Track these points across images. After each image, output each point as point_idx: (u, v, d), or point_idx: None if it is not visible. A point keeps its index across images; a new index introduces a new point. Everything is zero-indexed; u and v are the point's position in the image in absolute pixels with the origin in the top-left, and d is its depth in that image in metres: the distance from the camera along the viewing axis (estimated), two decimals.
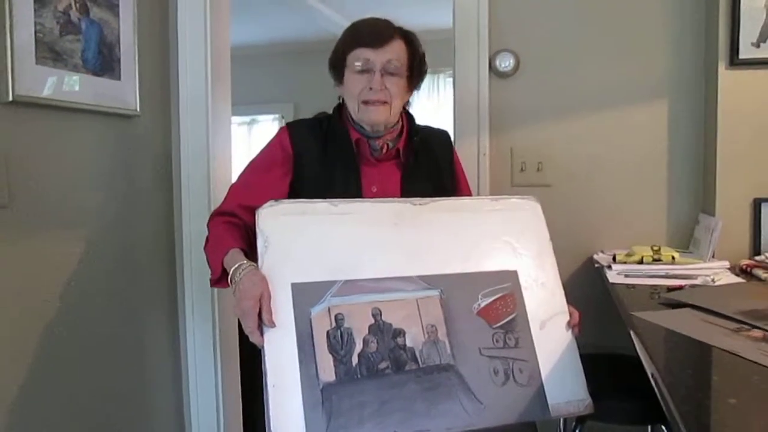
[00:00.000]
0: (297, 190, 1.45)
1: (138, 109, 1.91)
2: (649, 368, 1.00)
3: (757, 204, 1.90)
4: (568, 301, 1.33)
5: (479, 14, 2.07)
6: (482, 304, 1.25)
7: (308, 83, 4.99)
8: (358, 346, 1.15)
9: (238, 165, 1.83)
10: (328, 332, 1.14)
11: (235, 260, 1.24)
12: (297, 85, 5.26)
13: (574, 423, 1.62)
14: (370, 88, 1.41)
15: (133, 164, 1.96)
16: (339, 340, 1.14)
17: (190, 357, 2.16)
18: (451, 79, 2.15)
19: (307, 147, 1.47)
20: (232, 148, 2.27)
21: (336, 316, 1.16)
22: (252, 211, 1.26)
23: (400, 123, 1.51)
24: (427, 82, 2.78)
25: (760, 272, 1.66)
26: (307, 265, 1.19)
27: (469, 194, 1.66)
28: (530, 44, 2.09)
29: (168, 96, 2.10)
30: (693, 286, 1.55)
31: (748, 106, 1.89)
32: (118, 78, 1.83)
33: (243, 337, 1.27)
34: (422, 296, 1.22)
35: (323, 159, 1.46)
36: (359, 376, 1.13)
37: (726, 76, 1.89)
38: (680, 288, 1.53)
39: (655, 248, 1.79)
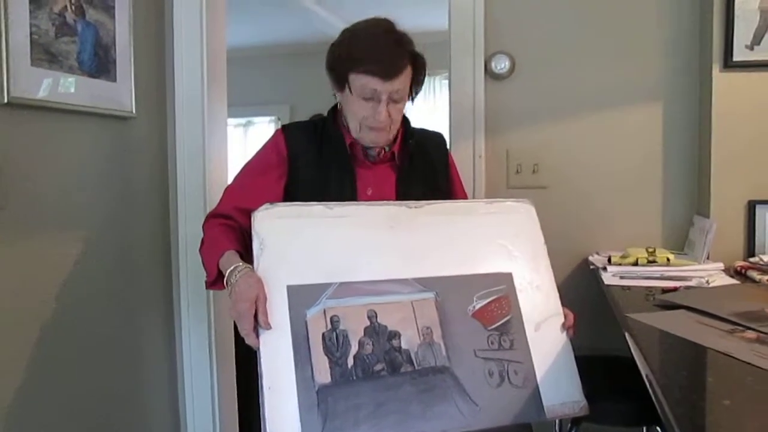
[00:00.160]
0: (292, 193, 1.44)
1: (134, 111, 1.91)
2: (643, 370, 1.01)
3: (751, 206, 1.91)
4: (563, 303, 1.33)
5: (475, 16, 2.07)
6: (477, 307, 1.25)
7: (304, 85, 4.99)
8: (354, 348, 1.15)
9: (234, 167, 1.83)
10: (323, 334, 1.14)
11: (231, 262, 1.24)
12: (293, 87, 5.26)
13: (569, 424, 1.62)
14: (375, 115, 1.39)
15: (128, 166, 1.96)
16: (334, 342, 1.14)
17: (186, 359, 2.16)
18: (446, 81, 2.16)
19: (302, 150, 1.47)
20: (227, 149, 2.27)
21: (331, 318, 1.16)
22: (247, 214, 1.26)
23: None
24: None
25: (754, 274, 1.66)
26: (303, 268, 1.19)
27: (464, 196, 1.66)
28: (526, 46, 2.09)
29: (164, 98, 2.10)
30: (688, 287, 1.56)
31: (743, 108, 1.90)
32: (114, 80, 1.83)
33: (238, 339, 1.27)
34: (417, 298, 1.22)
35: (318, 162, 1.46)
36: (355, 378, 1.13)
37: (720, 79, 1.90)
38: (675, 290, 1.53)
39: (650, 250, 1.79)
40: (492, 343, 1.22)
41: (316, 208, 1.26)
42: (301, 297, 1.16)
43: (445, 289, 1.24)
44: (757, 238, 1.90)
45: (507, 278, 1.30)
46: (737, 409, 0.81)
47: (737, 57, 1.87)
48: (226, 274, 1.23)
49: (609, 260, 1.81)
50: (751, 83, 1.89)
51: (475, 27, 2.08)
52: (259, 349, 1.12)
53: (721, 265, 1.76)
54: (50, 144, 1.66)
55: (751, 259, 1.81)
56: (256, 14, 4.36)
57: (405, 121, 1.54)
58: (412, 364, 1.16)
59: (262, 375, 1.10)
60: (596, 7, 2.06)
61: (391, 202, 1.37)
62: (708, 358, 1.03)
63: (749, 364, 0.94)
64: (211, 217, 1.45)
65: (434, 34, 2.31)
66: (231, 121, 2.62)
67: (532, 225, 1.39)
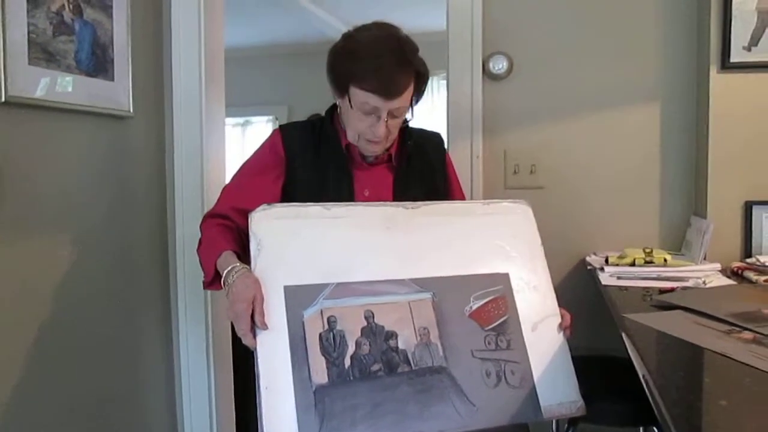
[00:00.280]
0: (290, 194, 1.44)
1: (131, 110, 1.91)
2: (640, 370, 1.01)
3: (748, 207, 1.91)
4: (560, 303, 1.33)
5: (473, 17, 2.07)
6: (474, 307, 1.25)
7: (302, 85, 5.00)
8: (351, 349, 1.15)
9: (231, 166, 1.83)
10: (320, 334, 1.14)
11: (228, 263, 1.24)
12: (291, 87, 5.26)
13: (566, 425, 1.63)
14: (373, 130, 1.38)
15: (126, 165, 1.95)
16: (331, 342, 1.14)
17: (183, 359, 2.16)
18: (444, 82, 2.15)
19: (299, 150, 1.47)
20: (225, 149, 2.27)
21: (328, 319, 1.16)
22: (245, 215, 1.26)
23: None
24: None
25: (751, 274, 1.67)
26: (300, 268, 1.19)
27: (462, 197, 1.66)
28: (524, 47, 2.09)
29: (161, 97, 2.10)
30: (685, 288, 1.56)
31: (740, 109, 1.90)
32: (112, 79, 1.83)
33: (236, 340, 1.27)
34: (414, 299, 1.22)
35: (315, 163, 1.46)
36: (352, 378, 1.13)
37: (717, 80, 1.90)
38: (672, 290, 1.53)
39: (648, 250, 1.79)
40: (489, 343, 1.22)
41: (314, 209, 1.26)
42: (298, 297, 1.16)
43: (442, 290, 1.24)
44: (754, 239, 1.90)
45: (504, 279, 1.30)
46: (734, 409, 0.81)
47: (734, 58, 1.87)
48: (224, 275, 1.23)
49: (606, 261, 1.81)
50: (749, 84, 1.89)
51: (473, 27, 2.08)
52: (256, 349, 1.12)
53: (718, 266, 1.76)
54: (47, 143, 1.65)
55: (748, 260, 1.81)
56: (254, 14, 4.36)
57: (404, 122, 1.54)
58: (409, 364, 1.16)
59: (259, 375, 1.09)
60: (594, 8, 2.07)
61: (389, 202, 1.37)
62: (705, 358, 1.03)
63: (746, 364, 0.94)
64: (209, 217, 1.45)
65: (432, 34, 2.31)
66: (229, 120, 2.61)
67: (529, 226, 1.39)
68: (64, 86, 1.66)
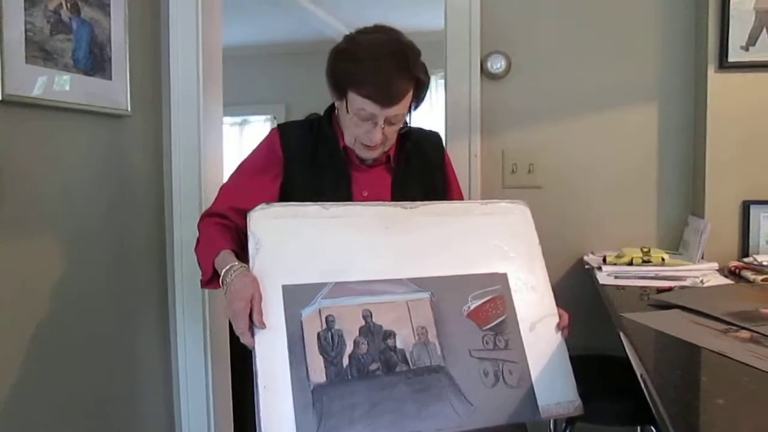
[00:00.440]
0: (288, 193, 1.44)
1: (129, 109, 1.90)
2: (638, 369, 1.01)
3: (745, 206, 1.91)
4: (558, 303, 1.34)
5: (471, 16, 2.07)
6: (472, 307, 1.25)
7: (300, 84, 5.00)
8: (349, 348, 1.15)
9: (229, 165, 1.83)
10: (318, 334, 1.14)
11: (227, 262, 1.24)
12: (289, 86, 5.26)
13: (563, 424, 1.63)
14: (369, 137, 1.38)
15: (123, 164, 1.95)
16: (330, 341, 1.14)
17: (181, 358, 2.15)
18: (442, 81, 2.15)
19: (297, 150, 1.47)
20: (223, 148, 2.27)
21: (327, 318, 1.16)
22: (243, 214, 1.26)
23: None
24: None
25: (748, 274, 1.67)
26: (298, 268, 1.19)
27: (460, 196, 1.66)
28: (522, 46, 2.10)
29: (159, 96, 2.10)
30: (682, 287, 1.56)
31: (738, 109, 1.90)
32: (109, 78, 1.82)
33: (234, 339, 1.27)
34: (412, 298, 1.22)
35: (313, 163, 1.46)
36: (350, 377, 1.13)
37: (715, 79, 1.90)
38: (669, 289, 1.54)
39: (645, 250, 1.79)
40: (487, 343, 1.23)
41: (312, 209, 1.26)
42: (296, 297, 1.16)
43: (440, 289, 1.25)
44: (751, 239, 1.91)
45: (502, 278, 1.30)
46: (731, 408, 0.81)
47: (732, 58, 1.87)
48: (222, 273, 1.23)
49: (604, 260, 1.81)
50: (746, 84, 1.90)
51: (471, 26, 2.07)
52: (254, 348, 1.12)
53: (715, 265, 1.76)
54: (45, 142, 1.65)
55: (745, 259, 1.82)
56: (252, 13, 4.36)
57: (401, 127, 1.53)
58: (407, 363, 1.16)
59: (257, 374, 1.09)
60: (592, 8, 2.07)
61: (387, 202, 1.37)
62: (702, 357, 1.04)
63: (743, 363, 0.95)
64: (207, 216, 1.45)
65: (430, 34, 2.31)
66: (227, 119, 2.62)
67: (527, 226, 1.39)
68: (61, 85, 1.66)
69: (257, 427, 1.07)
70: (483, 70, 2.09)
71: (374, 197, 1.45)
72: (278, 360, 1.11)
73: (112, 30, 1.83)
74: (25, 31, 1.53)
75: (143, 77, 2.00)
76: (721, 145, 1.91)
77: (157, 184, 2.11)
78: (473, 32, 2.08)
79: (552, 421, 1.76)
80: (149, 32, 2.04)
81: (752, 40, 1.87)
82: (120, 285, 1.93)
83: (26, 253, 1.59)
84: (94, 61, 1.76)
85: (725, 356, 0.98)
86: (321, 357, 1.13)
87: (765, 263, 1.70)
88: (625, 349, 1.16)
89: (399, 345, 1.17)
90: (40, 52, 1.58)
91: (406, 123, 1.49)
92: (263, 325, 1.12)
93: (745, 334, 1.10)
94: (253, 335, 1.13)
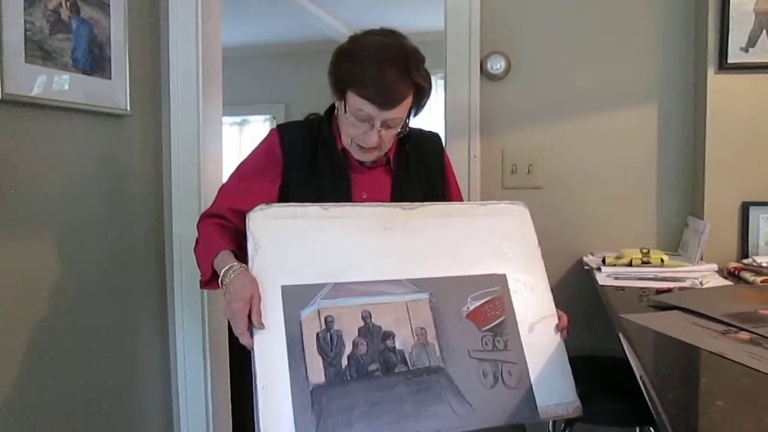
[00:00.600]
0: (287, 194, 1.44)
1: (128, 109, 1.90)
2: (637, 370, 1.01)
3: (745, 207, 1.91)
4: (557, 304, 1.33)
5: (471, 16, 2.07)
6: (471, 307, 1.25)
7: (300, 84, 5.00)
8: (348, 349, 1.15)
9: (228, 165, 1.83)
10: (317, 334, 1.14)
11: (226, 262, 1.24)
12: (288, 86, 5.26)
13: (563, 425, 1.63)
14: (365, 138, 1.37)
15: (123, 164, 1.95)
16: (329, 342, 1.14)
17: (180, 358, 2.15)
18: (442, 81, 2.15)
19: (296, 151, 1.46)
20: (222, 148, 2.27)
21: (326, 319, 1.16)
22: (242, 215, 1.26)
23: None
24: None
25: (747, 275, 1.67)
26: (298, 268, 1.19)
27: (460, 197, 1.66)
28: (521, 47, 2.10)
29: (159, 95, 2.10)
30: (681, 288, 1.56)
31: (737, 110, 1.90)
32: (109, 77, 1.82)
33: (233, 339, 1.27)
34: (412, 299, 1.22)
35: (313, 165, 1.46)
36: (349, 378, 1.12)
37: (715, 81, 1.90)
38: (669, 290, 1.53)
39: (644, 251, 1.79)
40: (486, 343, 1.23)
41: (312, 209, 1.26)
42: (295, 297, 1.16)
43: (440, 290, 1.24)
44: (750, 240, 1.91)
45: (501, 279, 1.30)
46: (730, 409, 0.81)
47: (732, 59, 1.87)
48: (221, 274, 1.22)
49: (603, 261, 1.81)
50: (746, 85, 1.89)
51: (470, 27, 2.07)
52: (253, 348, 1.12)
53: (714, 266, 1.76)
54: (44, 142, 1.65)
55: (745, 261, 1.81)
56: (252, 13, 4.36)
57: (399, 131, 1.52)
58: (406, 364, 1.16)
59: (256, 375, 1.09)
60: (592, 9, 2.07)
61: (386, 203, 1.37)
62: (701, 358, 1.04)
63: (743, 365, 0.94)
64: (206, 216, 1.44)
65: (430, 34, 2.31)
66: (226, 119, 2.61)
67: (526, 227, 1.39)
68: (60, 84, 1.66)
69: (256, 428, 1.06)
70: (483, 70, 2.09)
71: (374, 199, 1.44)
72: (277, 360, 1.10)
73: (112, 29, 1.83)
74: (25, 30, 1.53)
75: (143, 77, 2.00)
76: (720, 146, 1.91)
77: (156, 183, 2.10)
78: (473, 32, 2.08)
79: (551, 422, 1.76)
80: (149, 31, 2.04)
81: (752, 42, 1.87)
82: (119, 285, 1.93)
83: (26, 253, 1.59)
84: (94, 61, 1.76)
85: (724, 357, 0.98)
86: (320, 357, 1.12)
87: (764, 264, 1.70)
88: (624, 350, 1.15)
89: (398, 346, 1.17)
90: (39, 52, 1.58)
91: (407, 127, 1.48)
92: (262, 326, 1.12)
93: (744, 335, 1.10)
94: (252, 336, 1.13)
